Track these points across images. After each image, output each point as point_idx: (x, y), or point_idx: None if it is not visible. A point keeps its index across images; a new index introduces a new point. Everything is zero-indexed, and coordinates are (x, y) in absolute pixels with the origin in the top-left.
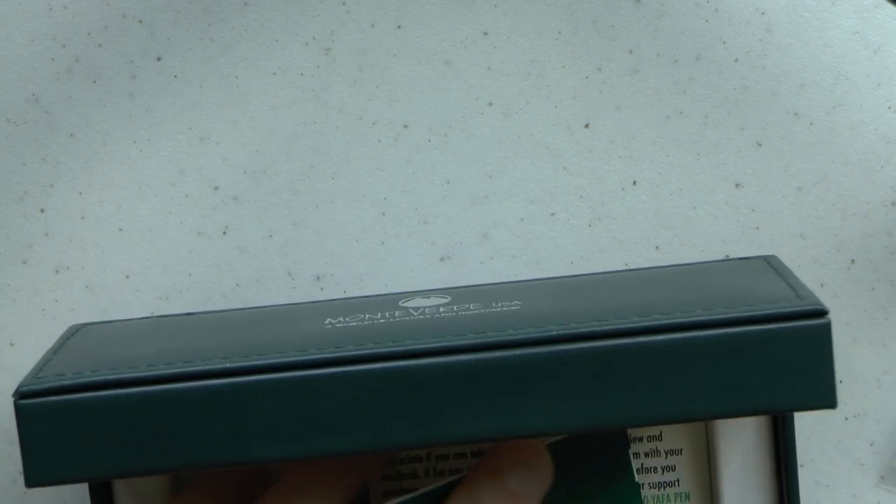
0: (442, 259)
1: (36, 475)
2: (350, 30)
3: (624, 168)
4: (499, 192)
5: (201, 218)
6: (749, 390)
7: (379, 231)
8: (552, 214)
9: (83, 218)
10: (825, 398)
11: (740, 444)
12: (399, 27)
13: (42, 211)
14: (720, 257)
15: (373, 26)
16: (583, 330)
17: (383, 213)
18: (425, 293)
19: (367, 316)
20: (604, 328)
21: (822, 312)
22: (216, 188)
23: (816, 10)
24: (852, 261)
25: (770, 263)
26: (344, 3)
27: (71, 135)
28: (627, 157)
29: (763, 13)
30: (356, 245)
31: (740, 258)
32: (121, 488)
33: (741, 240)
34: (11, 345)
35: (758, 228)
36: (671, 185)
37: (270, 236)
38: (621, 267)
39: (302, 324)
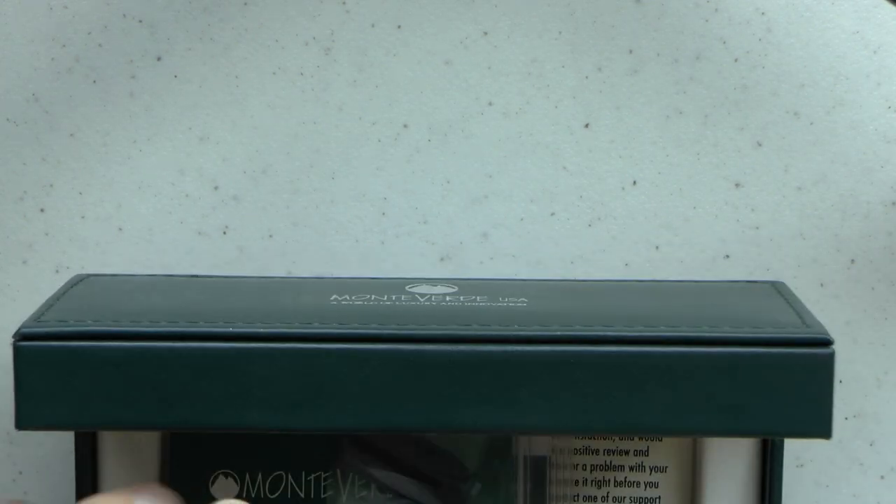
0: (442, 259)
1: (28, 418)
2: (350, 30)
3: (624, 168)
4: (499, 192)
5: (201, 218)
6: (746, 411)
7: (379, 231)
8: (552, 214)
9: (83, 218)
10: (821, 428)
11: (727, 467)
12: (399, 27)
13: (42, 211)
14: (721, 256)
15: (373, 26)
16: (588, 333)
17: (383, 213)
18: (432, 281)
19: (372, 297)
20: (609, 333)
21: (827, 342)
22: (216, 188)
23: (816, 10)
24: (852, 261)
25: (778, 290)
26: (344, 3)
27: (71, 135)
28: (627, 157)
29: (763, 13)
30: (356, 245)
31: (749, 281)
32: (106, 446)
33: (741, 240)
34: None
35: (758, 228)
36: (671, 185)
37: (270, 236)
38: (621, 267)
39: (308, 297)
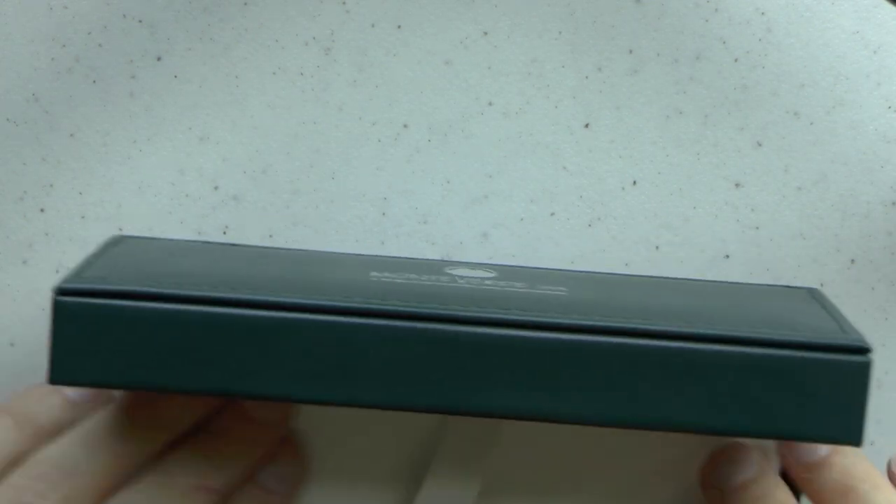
0: (442, 259)
1: (61, 373)
2: (350, 30)
3: (624, 168)
4: (499, 192)
5: (201, 218)
6: (779, 414)
7: (379, 231)
8: (552, 214)
9: (83, 218)
10: (852, 434)
11: None
12: (399, 27)
13: (42, 211)
14: (721, 256)
15: (373, 26)
16: (627, 325)
17: (383, 213)
18: (471, 264)
19: (411, 275)
20: (648, 327)
21: (865, 350)
22: (216, 188)
23: (816, 10)
24: (852, 261)
25: (814, 296)
26: (344, 3)
27: (71, 135)
28: (627, 157)
29: (763, 13)
30: (356, 245)
31: (785, 286)
32: None
33: (741, 240)
34: (11, 345)
35: (758, 228)
36: (671, 185)
37: (270, 236)
38: (621, 267)
39: (347, 271)
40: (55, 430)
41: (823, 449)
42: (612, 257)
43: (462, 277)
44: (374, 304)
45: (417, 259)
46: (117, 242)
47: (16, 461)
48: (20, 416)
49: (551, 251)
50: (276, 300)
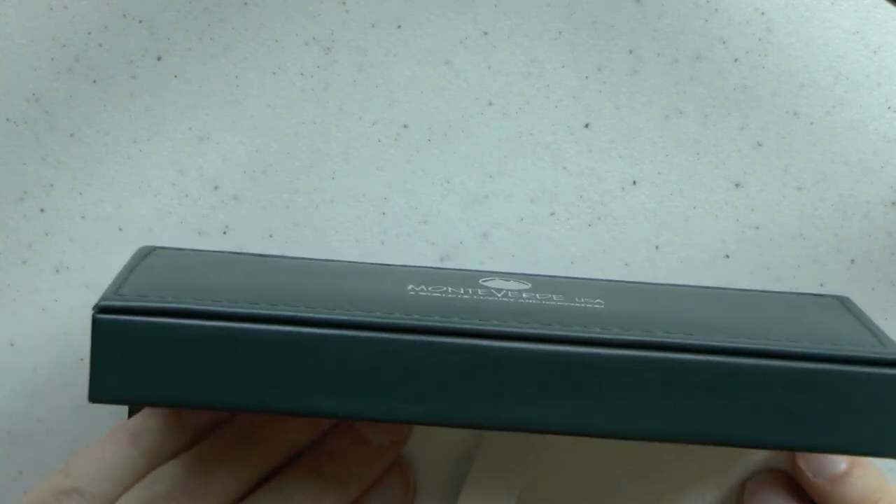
0: (442, 259)
1: (101, 391)
2: (350, 30)
3: (624, 168)
4: (499, 192)
5: (201, 218)
6: (819, 427)
7: (379, 231)
8: (552, 214)
9: (83, 218)
10: (893, 447)
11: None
12: (399, 27)
13: (42, 211)
14: (721, 256)
15: (373, 26)
16: (669, 340)
17: (383, 213)
18: (504, 275)
19: (449, 289)
20: (690, 342)
21: None
22: (216, 188)
23: (816, 10)
24: (852, 261)
25: (845, 304)
26: (344, 3)
27: (71, 135)
28: (627, 157)
29: (763, 13)
30: (356, 245)
31: (815, 294)
32: None
33: (741, 240)
34: (11, 345)
35: (758, 228)
36: (671, 185)
37: (270, 236)
38: (621, 267)
39: (384, 285)
40: (172, 453)
41: (843, 463)
42: (612, 257)
43: (499, 290)
44: (416, 321)
45: (452, 269)
46: (147, 254)
47: (133, 482)
48: (139, 438)
49: (551, 251)
50: (318, 317)
